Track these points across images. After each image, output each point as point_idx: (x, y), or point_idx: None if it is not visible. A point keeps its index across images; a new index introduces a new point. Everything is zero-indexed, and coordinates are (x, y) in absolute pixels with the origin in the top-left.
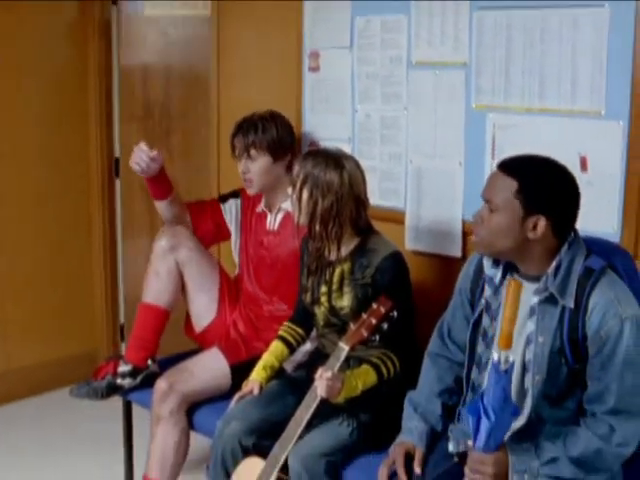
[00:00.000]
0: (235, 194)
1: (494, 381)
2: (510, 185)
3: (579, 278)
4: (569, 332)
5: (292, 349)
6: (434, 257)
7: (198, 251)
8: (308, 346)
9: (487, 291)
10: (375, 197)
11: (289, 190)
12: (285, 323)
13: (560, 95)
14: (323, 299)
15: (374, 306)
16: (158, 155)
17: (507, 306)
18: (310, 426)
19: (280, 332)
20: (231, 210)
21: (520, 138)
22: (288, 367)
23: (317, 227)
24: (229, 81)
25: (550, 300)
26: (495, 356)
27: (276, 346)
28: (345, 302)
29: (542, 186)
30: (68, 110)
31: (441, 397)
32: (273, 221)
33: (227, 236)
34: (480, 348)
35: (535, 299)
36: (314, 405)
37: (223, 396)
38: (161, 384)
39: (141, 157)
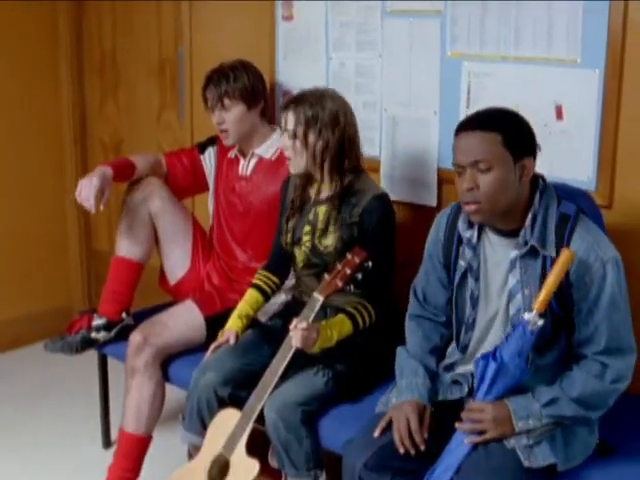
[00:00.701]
0: (212, 140)
1: (517, 336)
2: (494, 139)
3: (556, 226)
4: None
5: (267, 297)
6: (409, 206)
7: (171, 202)
8: (283, 297)
9: (467, 253)
10: None
11: (279, 140)
12: (259, 271)
13: (536, 43)
14: (306, 238)
15: (348, 256)
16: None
17: (553, 273)
18: (285, 376)
19: (254, 280)
20: (210, 159)
21: (495, 86)
22: (263, 318)
23: (325, 166)
24: (201, 32)
25: (531, 252)
26: (526, 316)
27: (250, 294)
28: (329, 241)
29: (520, 129)
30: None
31: (433, 354)
32: (246, 166)
33: (206, 187)
34: (468, 310)
35: (514, 253)
36: (289, 355)
37: (198, 348)
38: (135, 337)
39: (90, 193)
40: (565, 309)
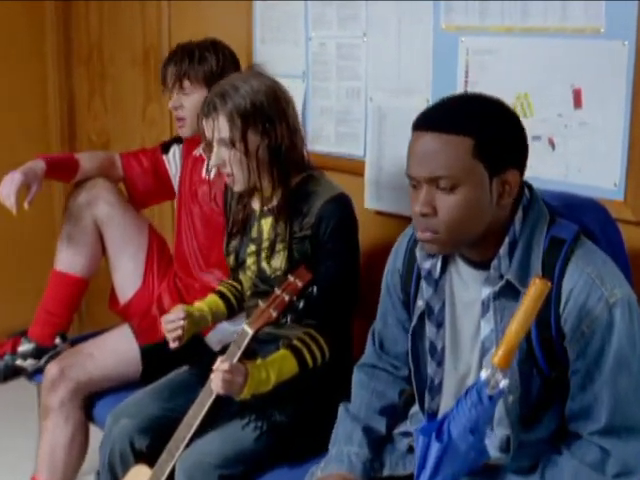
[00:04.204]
0: (178, 138)
1: (469, 403)
2: (463, 145)
3: (544, 254)
4: (539, 330)
5: (229, 305)
6: (399, 219)
7: (121, 207)
8: (244, 327)
9: (425, 290)
10: (330, 143)
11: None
12: (223, 280)
13: (548, 10)
14: (250, 261)
15: (290, 279)
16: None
17: (520, 311)
18: (205, 429)
19: (217, 288)
20: (175, 159)
21: (498, 66)
22: (215, 345)
23: (267, 170)
24: (181, 18)
25: (508, 290)
26: (483, 374)
27: (209, 297)
28: (277, 263)
29: (502, 129)
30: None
31: (384, 415)
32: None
33: (172, 193)
34: (430, 368)
35: (487, 291)
36: (208, 404)
37: (132, 385)
38: (51, 369)
39: (10, 190)
40: (558, 369)
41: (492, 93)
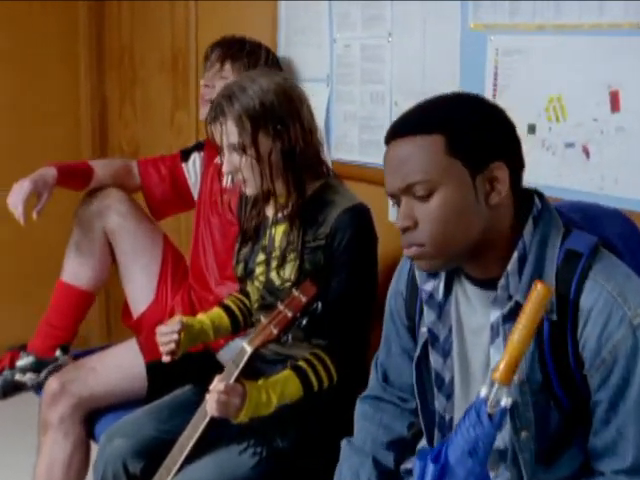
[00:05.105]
0: (199, 145)
1: (468, 424)
2: (433, 144)
3: (558, 270)
4: (554, 358)
5: (234, 320)
6: None
7: (133, 218)
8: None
9: (427, 315)
10: (354, 151)
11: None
12: (232, 293)
13: (582, 5)
14: (259, 271)
15: (294, 293)
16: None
17: (521, 320)
18: (200, 453)
19: (224, 301)
20: (195, 167)
21: (529, 67)
22: (227, 362)
23: (282, 174)
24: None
25: (517, 312)
26: (483, 391)
27: (214, 310)
28: (287, 273)
29: (477, 120)
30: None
31: (392, 449)
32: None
33: (191, 203)
34: (438, 402)
35: (496, 314)
36: (202, 427)
37: (137, 402)
38: (52, 384)
39: (18, 200)
40: (578, 399)
41: (523, 96)
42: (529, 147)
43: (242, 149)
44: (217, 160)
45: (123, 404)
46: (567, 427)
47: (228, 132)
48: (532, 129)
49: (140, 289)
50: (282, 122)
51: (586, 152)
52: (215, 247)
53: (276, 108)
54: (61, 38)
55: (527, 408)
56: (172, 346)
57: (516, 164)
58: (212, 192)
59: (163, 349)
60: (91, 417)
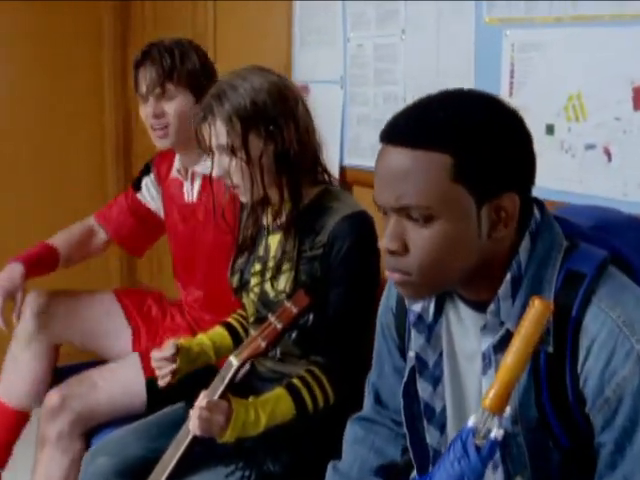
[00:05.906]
0: (146, 169)
1: (452, 457)
2: (438, 164)
3: (557, 294)
4: (552, 393)
5: (237, 338)
6: None
7: (73, 309)
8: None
9: (415, 340)
10: (367, 156)
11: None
12: (237, 311)
13: None
14: (254, 282)
15: (286, 304)
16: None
17: (516, 341)
18: (182, 474)
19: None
20: (150, 192)
21: (547, 62)
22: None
23: (277, 180)
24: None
25: (509, 341)
26: (471, 420)
27: (215, 329)
28: (281, 285)
29: (495, 141)
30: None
31: (380, 475)
32: (190, 190)
33: (163, 228)
34: (429, 435)
35: (487, 342)
36: (183, 446)
37: (136, 417)
38: (52, 398)
39: None
40: (579, 439)
41: (541, 94)
42: (547, 149)
43: (231, 151)
44: (172, 174)
45: (123, 420)
46: (569, 469)
47: (217, 133)
48: (550, 130)
49: (118, 354)
50: (275, 123)
51: (608, 154)
52: (194, 262)
53: (269, 108)
54: (85, 39)
55: (521, 450)
56: (167, 376)
57: (528, 190)
58: (177, 206)
59: (158, 374)
60: (90, 432)
